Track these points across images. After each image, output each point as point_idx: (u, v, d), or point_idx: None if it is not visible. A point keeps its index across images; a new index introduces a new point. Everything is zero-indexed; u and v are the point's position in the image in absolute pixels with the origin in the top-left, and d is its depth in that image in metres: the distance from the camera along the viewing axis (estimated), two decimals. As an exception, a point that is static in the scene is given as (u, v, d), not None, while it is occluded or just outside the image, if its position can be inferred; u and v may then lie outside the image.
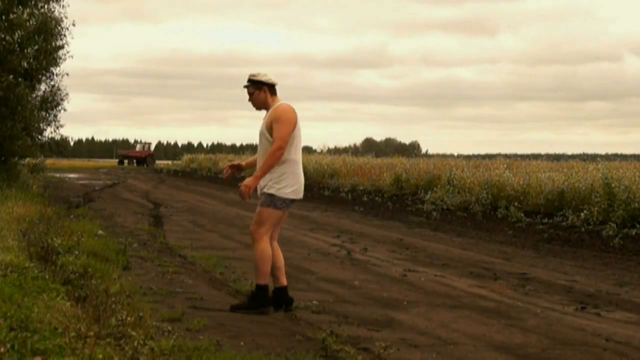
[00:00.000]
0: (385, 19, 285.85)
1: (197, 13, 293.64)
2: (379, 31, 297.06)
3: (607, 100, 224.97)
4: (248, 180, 6.81)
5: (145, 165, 68.41)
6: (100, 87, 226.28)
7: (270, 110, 6.95)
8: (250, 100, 7.06)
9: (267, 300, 6.88)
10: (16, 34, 18.08)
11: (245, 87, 7.06)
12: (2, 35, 18.15)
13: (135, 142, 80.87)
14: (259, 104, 7.04)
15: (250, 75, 7.01)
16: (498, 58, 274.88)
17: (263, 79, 6.97)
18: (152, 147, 76.95)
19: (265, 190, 6.86)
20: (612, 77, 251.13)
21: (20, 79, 18.47)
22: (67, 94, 21.53)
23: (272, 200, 6.86)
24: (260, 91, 6.98)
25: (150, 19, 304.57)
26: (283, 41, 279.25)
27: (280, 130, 6.79)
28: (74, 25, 20.40)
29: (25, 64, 18.66)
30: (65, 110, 21.56)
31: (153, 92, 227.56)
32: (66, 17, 20.33)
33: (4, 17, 18.12)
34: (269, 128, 6.87)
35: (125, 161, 72.98)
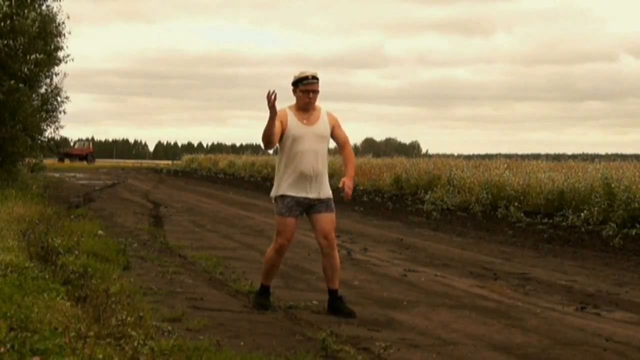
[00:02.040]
0: (380, 19, 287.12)
1: (191, 13, 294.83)
2: (373, 31, 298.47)
3: (605, 100, 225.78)
4: (350, 183, 6.91)
5: (85, 162, 71.61)
6: (97, 87, 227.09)
7: (325, 115, 6.91)
8: (313, 98, 6.85)
9: None
10: (19, 40, 18.03)
11: (309, 83, 6.79)
12: (4, 41, 18.11)
13: (76, 140, 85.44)
14: (315, 103, 6.90)
15: (313, 73, 6.83)
16: (494, 58, 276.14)
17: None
18: (91, 145, 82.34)
19: (327, 195, 6.92)
20: (609, 77, 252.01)
21: (20, 84, 18.43)
22: (67, 97, 21.57)
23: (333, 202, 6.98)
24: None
25: (144, 19, 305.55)
26: (278, 41, 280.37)
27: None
28: (68, 18, 20.40)
29: (27, 70, 18.64)
30: (65, 113, 21.59)
31: (151, 92, 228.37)
32: (64, 15, 20.32)
33: (9, 22, 18.06)
34: (331, 131, 6.94)
35: (66, 159, 75.27)
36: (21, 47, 18.18)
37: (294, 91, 6.86)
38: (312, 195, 6.82)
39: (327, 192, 6.91)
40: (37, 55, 18.83)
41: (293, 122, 6.83)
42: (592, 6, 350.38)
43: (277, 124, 6.75)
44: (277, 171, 6.95)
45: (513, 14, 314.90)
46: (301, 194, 6.81)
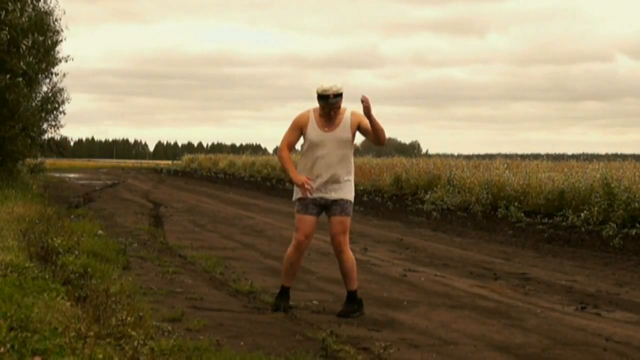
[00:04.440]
0: (374, 19, 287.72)
1: (186, 13, 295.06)
2: (368, 31, 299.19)
3: (602, 100, 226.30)
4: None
5: None
6: (96, 87, 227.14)
7: (348, 118, 6.83)
8: (335, 113, 6.79)
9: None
10: (11, 33, 17.98)
11: (331, 102, 6.71)
12: None
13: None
14: (337, 116, 6.84)
15: (337, 90, 6.70)
16: (490, 58, 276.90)
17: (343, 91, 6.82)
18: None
19: (345, 197, 6.89)
20: (606, 77, 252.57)
21: (19, 79, 18.38)
22: (68, 97, 21.57)
23: (351, 207, 6.97)
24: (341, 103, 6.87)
25: (141, 19, 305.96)
26: (276, 41, 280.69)
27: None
28: (64, 13, 20.43)
29: (23, 64, 18.58)
30: (64, 114, 21.60)
31: (150, 92, 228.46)
32: (61, 12, 20.33)
33: (2, 15, 18.03)
34: (354, 133, 6.87)
35: None
36: (8, 36, 18.08)
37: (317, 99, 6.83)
38: (327, 195, 6.87)
39: (345, 194, 6.90)
40: (34, 49, 18.75)
41: (313, 128, 6.85)
42: (588, 6, 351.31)
43: (297, 132, 6.94)
44: (299, 172, 6.98)
45: (509, 14, 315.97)
46: (317, 194, 6.87)
